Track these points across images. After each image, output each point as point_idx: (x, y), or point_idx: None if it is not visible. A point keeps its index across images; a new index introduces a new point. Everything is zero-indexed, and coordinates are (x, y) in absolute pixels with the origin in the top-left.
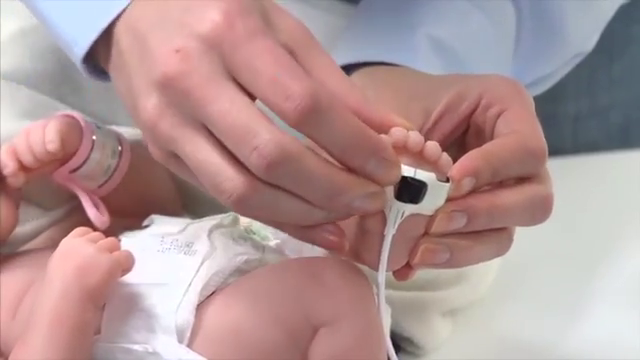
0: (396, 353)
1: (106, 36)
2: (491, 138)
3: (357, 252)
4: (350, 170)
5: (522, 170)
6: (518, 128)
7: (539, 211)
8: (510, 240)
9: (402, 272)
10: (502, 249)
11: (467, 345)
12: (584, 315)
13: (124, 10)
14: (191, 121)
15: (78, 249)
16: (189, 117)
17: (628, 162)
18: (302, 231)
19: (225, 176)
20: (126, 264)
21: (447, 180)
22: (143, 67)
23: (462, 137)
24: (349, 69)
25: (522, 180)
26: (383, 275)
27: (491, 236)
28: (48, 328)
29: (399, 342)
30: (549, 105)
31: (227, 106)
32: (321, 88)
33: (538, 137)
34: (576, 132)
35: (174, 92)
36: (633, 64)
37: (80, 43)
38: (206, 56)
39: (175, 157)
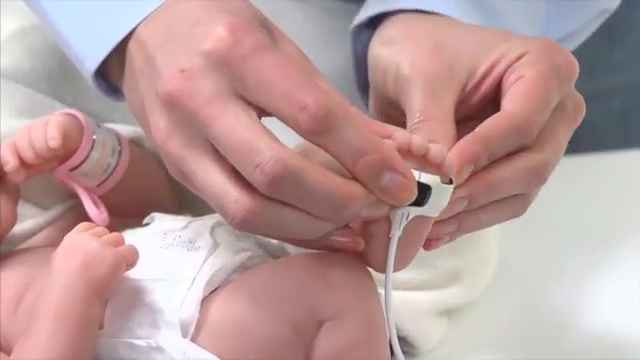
0: (392, 354)
1: (119, 54)
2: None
3: (362, 254)
4: (362, 184)
5: (513, 147)
6: (516, 104)
7: (536, 178)
8: (525, 202)
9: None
10: (517, 211)
11: (463, 345)
12: (582, 315)
13: (136, 28)
14: (198, 141)
15: (83, 243)
16: (196, 136)
17: (628, 162)
18: (313, 242)
19: (229, 198)
20: (131, 258)
21: (450, 182)
22: (152, 86)
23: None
24: (381, 19)
25: (515, 151)
26: (390, 277)
27: (500, 203)
28: (53, 322)
29: None
30: None
31: (231, 123)
32: (334, 99)
33: (529, 113)
34: None
35: (181, 111)
36: (634, 50)
37: (91, 58)
38: (211, 74)
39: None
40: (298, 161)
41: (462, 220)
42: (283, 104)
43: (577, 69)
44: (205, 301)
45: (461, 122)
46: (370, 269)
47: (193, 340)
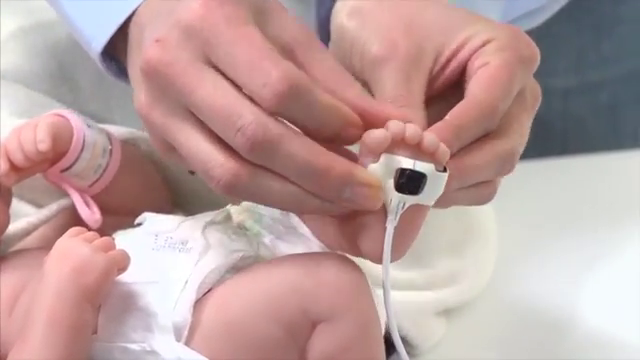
0: (391, 354)
1: (125, 37)
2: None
3: (358, 246)
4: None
5: (479, 134)
6: (481, 90)
7: (506, 164)
8: (493, 190)
9: None
10: (483, 199)
11: (462, 345)
12: (581, 315)
13: (137, 9)
14: (178, 109)
15: (74, 249)
16: (176, 105)
17: (625, 163)
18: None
19: (214, 162)
20: (122, 263)
21: (445, 170)
22: (138, 62)
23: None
24: None
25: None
26: (388, 268)
27: (468, 188)
28: (44, 329)
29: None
30: (537, 80)
31: (210, 91)
32: (299, 71)
33: (494, 100)
34: (565, 108)
35: (158, 81)
36: (622, 43)
37: (98, 39)
38: (185, 44)
39: (173, 149)
40: (279, 127)
41: None
42: (247, 77)
43: (539, 61)
44: (198, 303)
45: (425, 104)
46: (366, 262)
47: (187, 343)
